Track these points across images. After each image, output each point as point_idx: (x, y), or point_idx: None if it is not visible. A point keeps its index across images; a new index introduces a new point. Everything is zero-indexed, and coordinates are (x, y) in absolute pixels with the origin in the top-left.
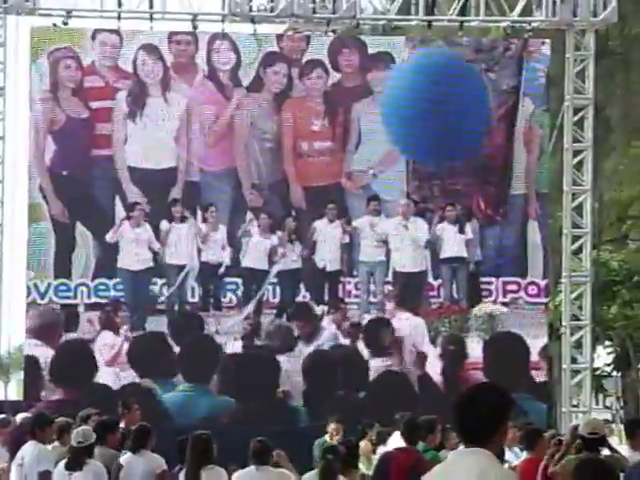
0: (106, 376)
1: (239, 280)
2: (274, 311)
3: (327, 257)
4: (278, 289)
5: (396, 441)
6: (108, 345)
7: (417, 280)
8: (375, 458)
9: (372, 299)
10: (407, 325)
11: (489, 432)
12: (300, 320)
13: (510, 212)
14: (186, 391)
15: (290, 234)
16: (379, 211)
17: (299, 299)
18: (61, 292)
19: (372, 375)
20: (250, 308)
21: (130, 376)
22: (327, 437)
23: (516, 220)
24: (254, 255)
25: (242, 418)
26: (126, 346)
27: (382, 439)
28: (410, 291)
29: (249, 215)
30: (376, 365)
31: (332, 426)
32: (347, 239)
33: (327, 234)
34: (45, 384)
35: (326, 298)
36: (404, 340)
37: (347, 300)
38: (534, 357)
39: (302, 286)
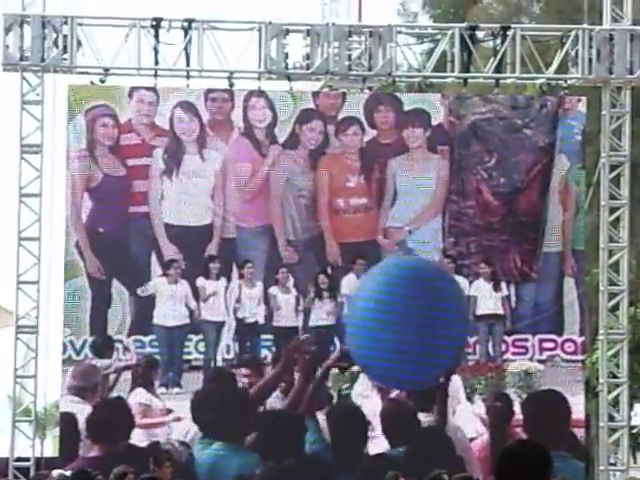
0: (138, 433)
1: (273, 337)
2: None
3: None
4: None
5: None
6: (141, 402)
7: None
8: None
9: None
10: None
11: None
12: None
13: (546, 269)
14: (219, 449)
15: (322, 291)
16: None
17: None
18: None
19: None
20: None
21: (162, 433)
22: None
23: (552, 277)
24: (285, 312)
25: (275, 476)
26: (159, 403)
27: None
28: None
29: (281, 272)
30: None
31: None
32: None
33: None
34: (81, 441)
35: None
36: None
37: None
38: (573, 415)
39: (337, 343)
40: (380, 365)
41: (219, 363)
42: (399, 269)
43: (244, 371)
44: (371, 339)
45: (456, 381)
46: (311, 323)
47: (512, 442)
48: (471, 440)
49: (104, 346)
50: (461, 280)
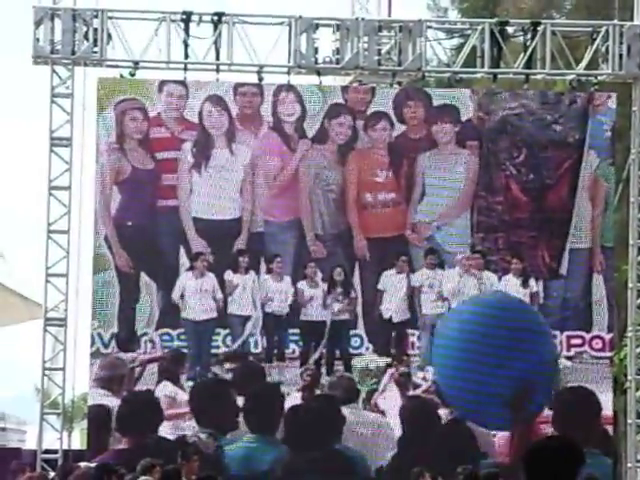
0: (165, 427)
1: (300, 331)
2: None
3: (393, 308)
4: (327, 340)
5: None
6: (166, 395)
7: None
8: None
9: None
10: None
11: None
12: None
13: (575, 266)
14: (250, 442)
15: (336, 285)
16: (435, 265)
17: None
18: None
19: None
20: (312, 359)
21: (188, 427)
22: None
23: (581, 274)
24: (312, 307)
25: (302, 469)
26: (184, 396)
27: None
28: None
29: (309, 266)
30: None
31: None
32: (410, 290)
33: (393, 285)
34: (110, 433)
35: (392, 350)
36: None
37: (410, 352)
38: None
39: (365, 338)
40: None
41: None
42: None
43: (228, 365)
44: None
45: None
46: (331, 317)
47: (543, 438)
48: (494, 435)
49: (128, 340)
50: (490, 275)
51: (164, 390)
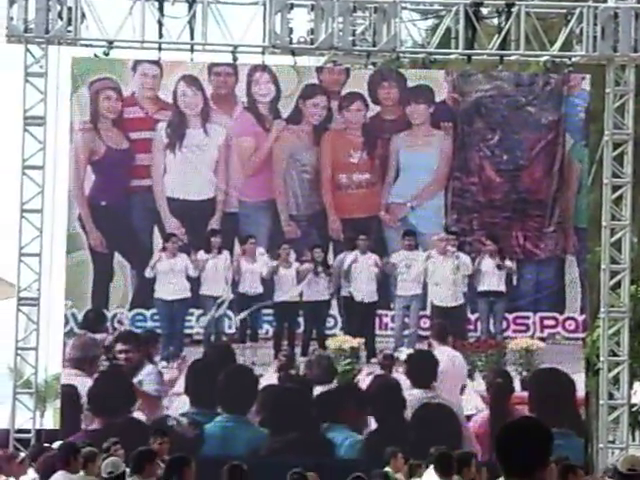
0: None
1: (274, 312)
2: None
3: (363, 289)
4: (303, 320)
5: (431, 476)
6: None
7: (456, 314)
8: None
9: (406, 332)
10: (446, 358)
11: (536, 467)
12: None
13: (548, 247)
14: (225, 422)
15: (317, 265)
16: (412, 246)
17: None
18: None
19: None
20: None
21: (161, 406)
22: (389, 469)
23: (554, 255)
24: (285, 287)
25: (280, 449)
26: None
27: (415, 473)
28: (449, 325)
29: (283, 247)
30: (417, 397)
31: (400, 460)
32: (379, 271)
33: (361, 266)
34: (83, 414)
35: (362, 330)
36: (444, 373)
37: (383, 333)
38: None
39: (339, 318)
40: None
41: (220, 337)
42: None
43: (120, 347)
44: None
45: (459, 358)
46: (307, 298)
47: (513, 419)
48: (471, 417)
49: (96, 320)
50: (464, 257)
51: (146, 369)
